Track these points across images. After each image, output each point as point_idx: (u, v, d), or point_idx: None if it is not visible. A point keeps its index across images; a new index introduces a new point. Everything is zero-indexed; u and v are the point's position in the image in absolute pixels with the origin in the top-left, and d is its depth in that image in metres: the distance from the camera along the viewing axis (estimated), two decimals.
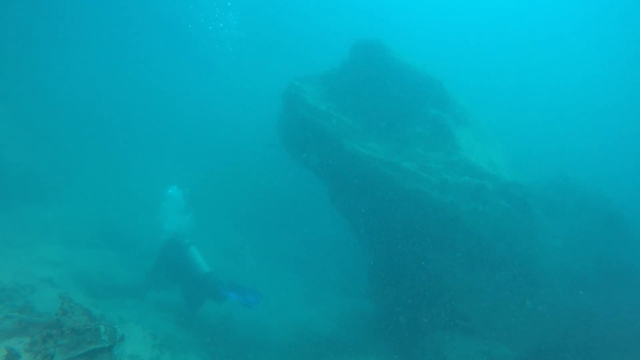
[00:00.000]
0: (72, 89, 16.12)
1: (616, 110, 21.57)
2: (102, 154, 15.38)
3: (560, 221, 8.38)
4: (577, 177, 9.49)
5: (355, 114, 9.03)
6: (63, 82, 16.01)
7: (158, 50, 21.02)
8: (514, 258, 8.04)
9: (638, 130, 19.65)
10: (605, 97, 22.16)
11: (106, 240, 11.17)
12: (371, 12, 27.12)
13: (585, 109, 21.36)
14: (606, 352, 6.91)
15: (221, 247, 12.26)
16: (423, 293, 8.47)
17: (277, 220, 13.50)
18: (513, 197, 8.43)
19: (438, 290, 8.31)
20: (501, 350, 7.53)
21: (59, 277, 8.11)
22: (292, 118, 8.98)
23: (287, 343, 9.23)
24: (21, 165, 12.20)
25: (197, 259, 9.15)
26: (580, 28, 25.39)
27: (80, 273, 8.81)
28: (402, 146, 8.92)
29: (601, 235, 8.32)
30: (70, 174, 13.70)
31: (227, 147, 16.43)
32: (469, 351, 7.74)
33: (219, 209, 13.82)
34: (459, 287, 8.09)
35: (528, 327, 7.46)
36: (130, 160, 15.21)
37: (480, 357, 7.59)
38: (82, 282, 8.59)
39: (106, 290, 8.64)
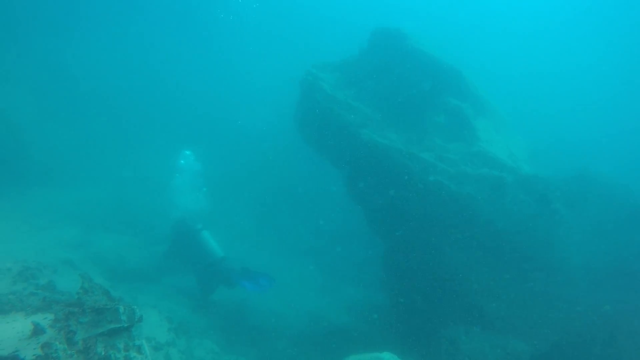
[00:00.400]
0: (91, 74, 16.29)
1: None
2: (120, 139, 15.57)
3: (582, 215, 8.17)
4: (600, 170, 9.22)
5: (373, 103, 8.90)
6: (83, 68, 16.19)
7: (174, 38, 21.06)
8: (532, 252, 7.88)
9: None
10: (631, 86, 21.39)
11: (123, 225, 11.33)
12: None
13: (609, 99, 20.69)
14: (627, 354, 6.74)
15: (235, 234, 12.32)
16: (438, 286, 8.39)
17: (292, 209, 13.51)
18: (533, 190, 8.25)
19: (453, 283, 8.21)
20: (517, 345, 7.43)
21: (78, 259, 8.27)
22: (309, 106, 8.91)
23: (300, 332, 9.27)
24: (42, 149, 12.43)
25: (210, 243, 9.19)
26: (605, 13, 24.48)
27: (98, 256, 8.97)
28: (421, 136, 8.78)
29: (624, 230, 8.08)
30: (88, 158, 13.90)
31: (244, 136, 16.44)
32: (484, 345, 7.66)
33: (234, 197, 13.88)
34: (476, 281, 7.98)
35: (546, 323, 7.33)
36: (147, 145, 15.33)
37: (496, 351, 7.51)
38: (100, 264, 8.75)
39: (123, 274, 8.78)
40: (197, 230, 9.18)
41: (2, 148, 11.26)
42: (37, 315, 3.95)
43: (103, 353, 3.82)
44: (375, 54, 9.68)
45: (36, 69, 13.90)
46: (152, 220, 11.77)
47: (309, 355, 8.27)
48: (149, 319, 7.07)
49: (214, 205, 10.74)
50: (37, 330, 3.62)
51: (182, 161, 10.76)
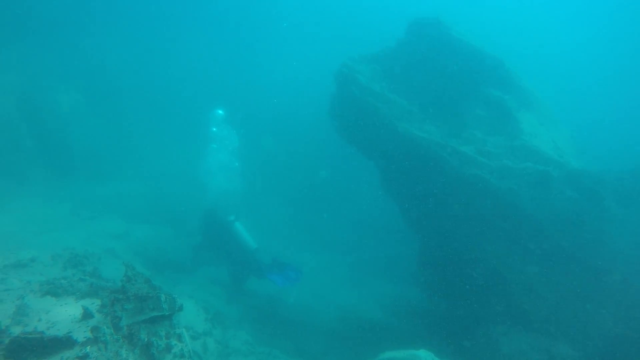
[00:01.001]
0: (130, 70, 16.84)
1: None
2: (158, 134, 16.03)
3: (637, 214, 7.62)
4: None
5: (411, 95, 8.66)
6: (123, 63, 16.77)
7: (209, 32, 21.38)
8: (580, 252, 7.43)
9: None
10: None
11: (160, 217, 11.68)
12: None
13: None
14: None
15: (266, 226, 12.41)
16: (476, 283, 8.10)
17: (323, 203, 13.46)
18: (582, 186, 7.76)
19: (493, 281, 7.91)
20: (562, 349, 7.06)
21: (120, 249, 8.60)
22: (344, 99, 8.78)
23: (332, 326, 9.24)
24: (87, 144, 13.01)
25: (243, 235, 9.27)
26: None
27: (138, 246, 9.29)
28: (460, 129, 8.47)
29: None
30: (128, 152, 14.42)
31: (279, 128, 16.50)
32: (525, 347, 7.33)
33: (266, 190, 14.00)
34: (517, 280, 7.63)
35: (595, 327, 6.91)
36: (184, 139, 15.68)
37: (538, 354, 7.17)
38: (140, 254, 9.05)
39: (161, 264, 9.05)
40: (229, 222, 9.28)
41: (53, 144, 11.88)
42: (86, 300, 4.10)
43: (146, 339, 3.91)
44: (413, 44, 9.41)
45: (83, 68, 14.52)
46: (188, 212, 12.05)
47: (342, 349, 8.22)
48: (186, 309, 7.22)
49: (247, 187, 10.77)
50: (87, 314, 3.75)
51: (214, 129, 10.79)
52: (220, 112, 10.97)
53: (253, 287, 9.51)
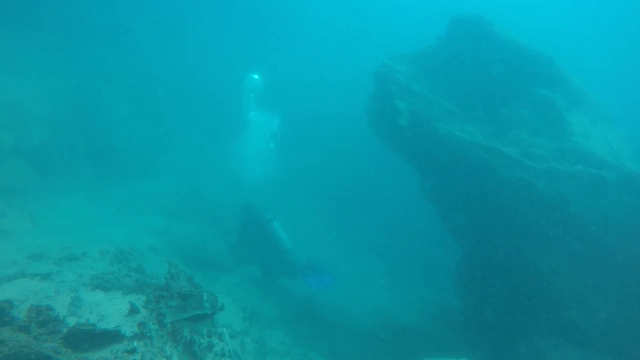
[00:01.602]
0: (170, 71, 17.39)
1: None
2: (198, 134, 16.46)
3: None
4: None
5: (452, 95, 8.39)
6: (164, 65, 17.35)
7: (247, 32, 21.68)
8: (638, 264, 6.90)
9: None
10: None
11: (198, 214, 11.96)
12: None
13: None
14: None
15: (302, 227, 12.43)
16: (522, 293, 7.71)
17: (360, 205, 13.33)
18: None
19: (539, 291, 7.49)
20: None
21: (161, 246, 8.85)
22: (383, 99, 8.63)
23: (368, 329, 9.11)
24: (131, 143, 13.56)
25: (280, 234, 9.35)
26: None
27: (177, 243, 9.53)
28: (504, 130, 8.11)
29: None
30: (169, 151, 14.89)
31: (317, 130, 16.50)
32: None
33: (305, 191, 14.03)
34: (567, 291, 7.19)
35: None
36: (223, 141, 16.00)
37: None
38: (180, 252, 9.28)
39: (200, 262, 9.23)
40: (267, 220, 9.37)
41: (101, 144, 12.46)
42: (132, 295, 4.21)
43: (188, 337, 3.96)
44: (455, 43, 9.11)
45: (126, 70, 15.15)
46: (224, 211, 12.29)
47: (377, 354, 8.08)
48: (225, 307, 7.36)
49: (284, 174, 10.78)
50: (133, 310, 3.85)
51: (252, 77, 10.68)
52: (255, 76, 10.91)
53: (288, 287, 9.55)
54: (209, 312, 4.26)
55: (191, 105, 17.52)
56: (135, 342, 3.45)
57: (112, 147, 13.07)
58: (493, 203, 7.78)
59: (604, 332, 6.60)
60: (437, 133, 7.92)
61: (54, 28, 13.40)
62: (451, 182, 8.17)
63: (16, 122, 10.27)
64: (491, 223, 7.87)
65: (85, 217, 8.70)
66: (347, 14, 23.05)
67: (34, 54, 12.56)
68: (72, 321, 3.61)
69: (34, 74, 11.90)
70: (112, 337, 3.44)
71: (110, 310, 3.86)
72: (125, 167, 12.87)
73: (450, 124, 7.94)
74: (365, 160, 13.81)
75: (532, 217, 7.52)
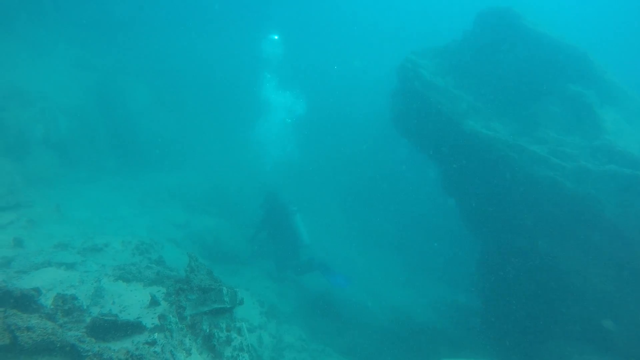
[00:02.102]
0: (192, 64, 17.51)
1: None
2: (219, 123, 16.52)
3: None
4: None
5: (478, 91, 8.14)
6: (187, 58, 17.49)
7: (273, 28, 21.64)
8: None
9: None
10: None
11: (218, 208, 12.06)
12: None
13: None
14: None
15: (321, 222, 12.38)
16: (544, 295, 7.47)
17: (381, 201, 13.18)
18: None
19: (564, 294, 7.24)
20: None
21: (181, 238, 8.96)
22: (407, 95, 8.46)
23: (385, 326, 9.03)
24: (153, 136, 13.77)
25: (300, 228, 9.31)
26: None
27: (197, 236, 9.63)
28: (531, 128, 7.83)
29: None
30: (190, 143, 15.03)
31: (338, 126, 16.35)
32: None
33: (324, 187, 13.97)
34: (594, 295, 6.93)
35: None
36: (243, 136, 16.06)
37: None
38: (199, 244, 9.38)
39: (218, 255, 9.32)
40: (291, 211, 9.33)
41: (125, 136, 12.69)
42: (153, 287, 4.25)
43: (208, 331, 3.97)
44: (481, 36, 8.83)
45: (150, 63, 15.35)
46: (245, 205, 12.36)
47: (395, 351, 8.00)
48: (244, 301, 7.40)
49: (302, 156, 10.63)
50: (154, 302, 3.88)
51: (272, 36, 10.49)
52: (275, 37, 10.74)
53: (308, 284, 9.54)
54: (228, 306, 4.27)
55: (212, 94, 17.59)
56: (156, 334, 3.47)
57: (136, 139, 13.30)
58: (518, 202, 7.55)
59: (632, 340, 6.33)
60: (462, 129, 7.72)
61: (79, 22, 13.67)
62: (475, 179, 7.96)
63: (45, 114, 10.55)
64: (516, 222, 7.64)
65: (108, 208, 8.88)
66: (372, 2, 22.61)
67: (61, 48, 12.86)
68: (95, 311, 3.67)
69: (61, 67, 12.18)
70: (133, 328, 3.47)
71: (132, 301, 3.91)
72: (147, 159, 13.08)
73: (476, 121, 7.72)
74: (387, 154, 13.60)
75: (560, 218, 7.26)
